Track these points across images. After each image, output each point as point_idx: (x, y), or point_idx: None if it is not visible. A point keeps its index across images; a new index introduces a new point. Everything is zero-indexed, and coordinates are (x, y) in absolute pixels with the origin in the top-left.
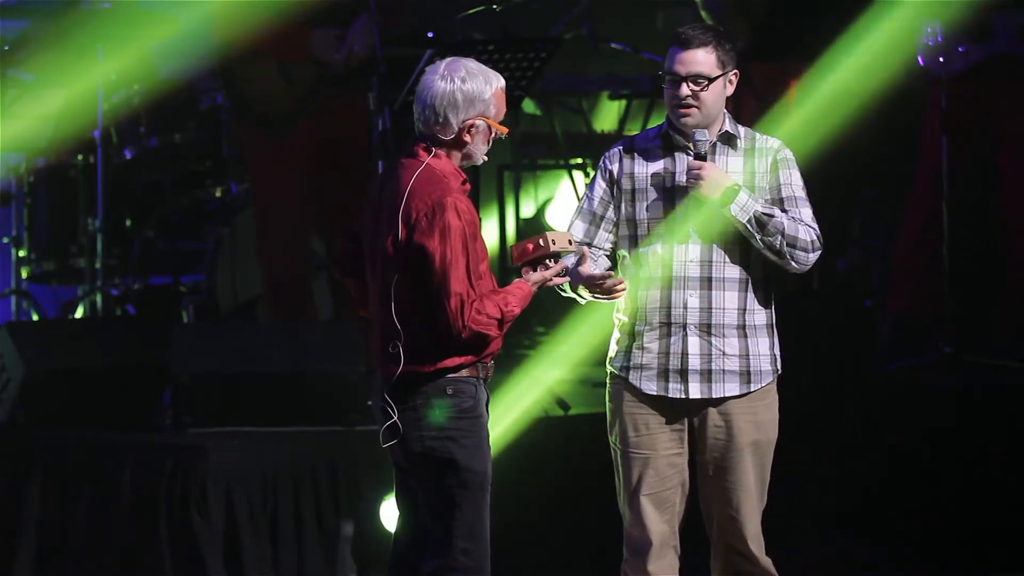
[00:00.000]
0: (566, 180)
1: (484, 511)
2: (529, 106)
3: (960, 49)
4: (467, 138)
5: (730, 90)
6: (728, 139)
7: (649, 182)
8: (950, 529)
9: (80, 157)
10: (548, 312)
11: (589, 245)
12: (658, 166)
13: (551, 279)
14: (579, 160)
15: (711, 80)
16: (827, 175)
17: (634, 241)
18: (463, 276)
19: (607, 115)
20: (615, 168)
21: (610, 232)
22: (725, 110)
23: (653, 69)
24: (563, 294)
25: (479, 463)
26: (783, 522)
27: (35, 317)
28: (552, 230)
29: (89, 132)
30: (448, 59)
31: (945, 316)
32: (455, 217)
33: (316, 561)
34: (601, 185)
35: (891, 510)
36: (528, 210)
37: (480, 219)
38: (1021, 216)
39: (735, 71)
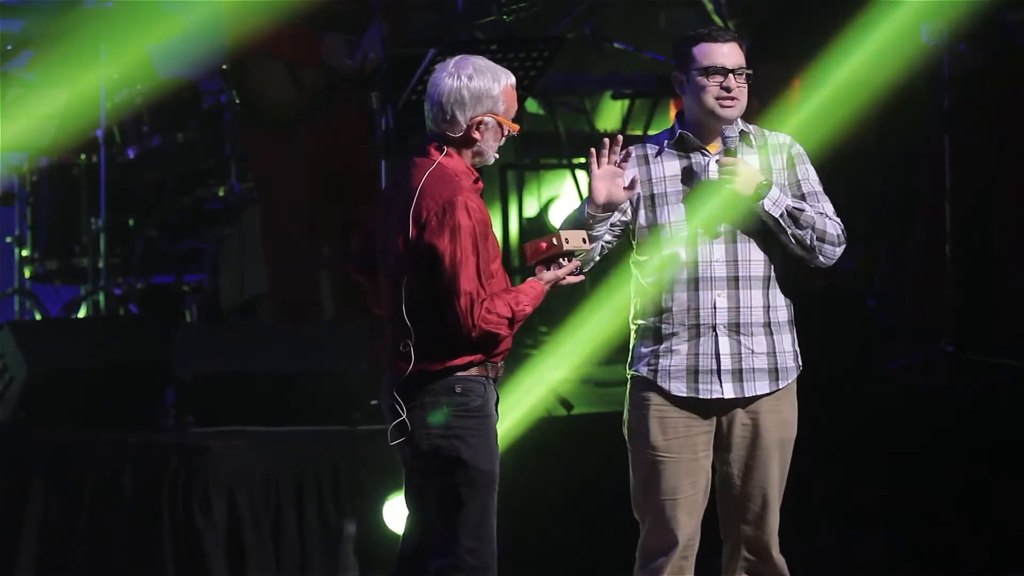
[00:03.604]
0: (569, 179)
1: (491, 510)
2: (532, 105)
3: (962, 48)
4: (476, 135)
5: None
6: (743, 136)
7: (668, 186)
8: (951, 528)
9: (83, 156)
10: (551, 311)
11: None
12: (676, 168)
13: (564, 278)
14: (582, 159)
15: (749, 74)
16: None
17: (657, 245)
18: (473, 275)
19: (610, 114)
20: (632, 174)
21: (615, 235)
22: None
23: (656, 68)
24: None
25: (486, 462)
26: (784, 520)
27: (38, 316)
28: (564, 229)
29: (92, 131)
30: (457, 57)
31: (947, 315)
32: (465, 216)
33: (318, 561)
34: None
35: (892, 509)
36: (531, 209)
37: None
38: (1022, 216)
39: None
